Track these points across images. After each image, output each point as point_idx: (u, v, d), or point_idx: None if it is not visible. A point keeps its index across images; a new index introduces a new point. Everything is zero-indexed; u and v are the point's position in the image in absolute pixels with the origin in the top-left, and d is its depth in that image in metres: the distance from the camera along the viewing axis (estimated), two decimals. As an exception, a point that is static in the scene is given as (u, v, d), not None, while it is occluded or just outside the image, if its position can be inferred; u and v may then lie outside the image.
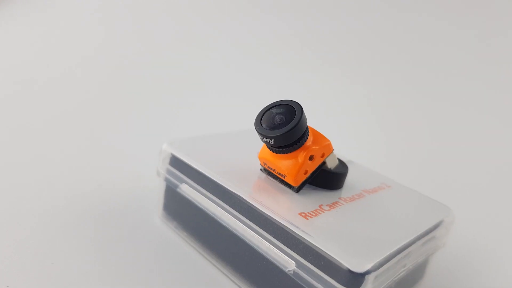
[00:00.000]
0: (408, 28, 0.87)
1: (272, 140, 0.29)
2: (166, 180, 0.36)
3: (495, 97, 0.78)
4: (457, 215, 0.34)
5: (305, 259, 0.26)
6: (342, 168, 0.34)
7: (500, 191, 0.59)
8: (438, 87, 0.82)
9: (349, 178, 0.35)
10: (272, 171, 0.32)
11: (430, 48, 0.85)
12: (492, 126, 0.75)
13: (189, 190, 0.33)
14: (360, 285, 0.24)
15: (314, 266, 0.26)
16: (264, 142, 0.30)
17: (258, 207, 0.29)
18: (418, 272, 0.34)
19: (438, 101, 0.80)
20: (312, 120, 0.33)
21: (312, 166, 0.31)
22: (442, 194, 0.44)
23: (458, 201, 0.46)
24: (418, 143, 0.72)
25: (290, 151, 0.29)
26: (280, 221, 0.27)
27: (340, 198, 0.32)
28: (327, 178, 0.32)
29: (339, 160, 0.35)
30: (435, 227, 0.32)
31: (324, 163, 0.32)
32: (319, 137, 0.31)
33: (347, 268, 0.24)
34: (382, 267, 0.25)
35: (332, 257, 0.25)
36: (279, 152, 0.30)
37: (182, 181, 0.34)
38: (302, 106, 0.29)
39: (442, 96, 0.81)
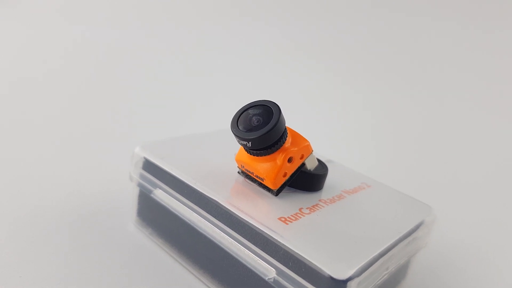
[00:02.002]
0: (392, 27, 0.86)
1: (250, 142, 0.27)
2: (139, 185, 0.34)
3: (478, 96, 0.79)
4: (437, 213, 0.34)
5: (286, 266, 0.25)
6: (322, 169, 0.33)
7: (479, 189, 0.60)
8: (419, 85, 0.82)
9: (329, 179, 0.34)
10: (250, 174, 0.31)
11: (413, 47, 0.85)
12: (473, 124, 0.75)
13: (163, 196, 0.32)
14: (343, 292, 0.23)
15: (295, 273, 0.25)
16: (241, 144, 0.28)
17: (236, 213, 0.28)
18: (400, 273, 0.34)
19: (418, 98, 0.81)
20: (290, 119, 0.32)
21: (291, 168, 0.30)
22: (421, 192, 0.44)
23: (437, 198, 0.46)
24: (398, 142, 0.72)
25: (268, 153, 0.28)
26: (259, 227, 0.26)
27: (320, 200, 0.31)
28: (307, 180, 0.31)
29: (319, 161, 0.34)
30: (417, 227, 0.31)
31: (303, 164, 0.31)
32: (297, 138, 0.30)
33: (329, 275, 0.23)
34: (365, 272, 0.25)
35: (313, 263, 0.24)
36: (257, 155, 0.29)
37: (156, 186, 0.33)
38: (279, 106, 0.28)
39: (423, 93, 0.81)
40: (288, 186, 0.31)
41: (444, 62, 0.83)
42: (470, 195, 0.57)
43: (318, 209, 0.30)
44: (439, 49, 0.83)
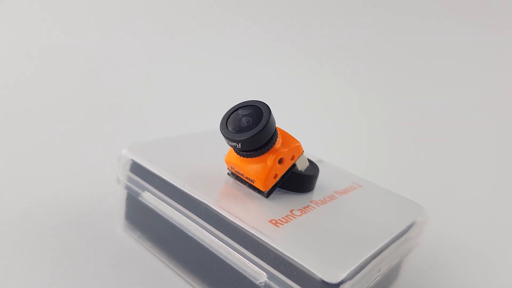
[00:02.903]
0: (384, 26, 0.86)
1: (239, 144, 0.27)
2: (127, 188, 0.33)
3: (469, 95, 0.79)
4: (428, 212, 0.34)
5: (277, 270, 0.25)
6: (313, 169, 0.33)
7: (471, 188, 0.60)
8: (409, 83, 0.82)
9: (320, 179, 0.34)
10: (240, 175, 0.30)
11: (405, 47, 0.85)
12: (465, 123, 0.76)
13: (151, 199, 0.31)
14: (335, 296, 0.23)
15: (287, 277, 0.24)
16: (231, 146, 0.28)
17: (226, 216, 0.27)
18: (392, 273, 0.34)
19: (409, 97, 0.80)
20: (280, 119, 0.32)
21: (282, 170, 0.29)
22: (412, 191, 0.44)
23: (428, 197, 0.46)
24: (389, 141, 0.72)
25: (259, 155, 0.28)
26: (250, 230, 0.26)
27: (311, 202, 0.31)
28: (298, 181, 0.31)
29: (309, 161, 0.33)
30: (409, 227, 0.31)
31: (294, 165, 0.30)
32: (288, 138, 0.29)
33: (321, 278, 0.23)
34: (357, 275, 0.24)
35: (305, 267, 0.23)
36: (247, 156, 0.28)
37: (144, 188, 0.32)
38: (269, 106, 0.27)
39: (414, 92, 0.81)
40: (279, 187, 0.30)
41: (435, 62, 0.83)
42: (461, 194, 0.57)
43: (309, 211, 0.29)
44: (432, 49, 0.84)
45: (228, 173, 0.32)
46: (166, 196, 0.30)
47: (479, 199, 0.56)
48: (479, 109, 0.77)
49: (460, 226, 0.48)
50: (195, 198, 0.29)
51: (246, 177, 0.29)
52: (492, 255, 0.43)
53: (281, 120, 0.34)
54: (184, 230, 0.29)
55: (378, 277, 0.27)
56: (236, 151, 0.29)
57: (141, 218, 0.35)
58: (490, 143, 0.71)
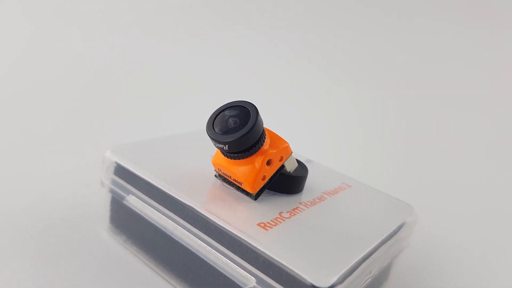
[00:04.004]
0: (376, 25, 0.86)
1: (226, 145, 0.26)
2: (111, 191, 0.32)
3: (460, 96, 0.79)
4: (418, 212, 0.34)
5: (266, 275, 0.24)
6: (302, 170, 0.32)
7: (460, 187, 0.60)
8: (399, 82, 0.82)
9: (309, 180, 0.33)
10: (227, 177, 0.29)
11: (396, 46, 0.85)
12: (454, 123, 0.76)
13: (136, 202, 0.30)
14: (326, 301, 0.22)
15: (276, 282, 0.24)
16: (218, 148, 0.27)
17: (213, 219, 0.26)
18: (383, 275, 0.33)
19: (399, 95, 0.80)
20: (267, 118, 0.31)
21: (270, 171, 0.28)
22: (401, 190, 0.44)
23: (417, 196, 0.46)
24: (378, 139, 0.72)
25: (246, 156, 0.27)
26: (238, 234, 0.25)
27: (300, 203, 0.30)
28: (287, 182, 0.30)
29: (298, 162, 0.33)
30: (399, 228, 0.30)
31: (283, 166, 0.29)
32: (276, 139, 0.29)
33: (311, 283, 0.22)
34: (348, 279, 0.24)
35: (294, 271, 0.23)
36: (235, 158, 0.27)
37: (128, 192, 0.31)
38: (257, 107, 0.27)
39: (403, 91, 0.81)
40: (268, 189, 0.30)
41: (426, 61, 0.83)
42: (451, 192, 0.57)
43: (298, 213, 0.29)
44: (422, 48, 0.83)
45: (215, 175, 0.31)
46: (151, 200, 0.30)
47: (469, 198, 0.56)
48: (469, 108, 0.77)
49: (450, 225, 0.48)
50: (181, 202, 0.28)
51: (233, 179, 0.29)
52: (482, 253, 0.43)
53: (269, 120, 0.34)
54: (171, 235, 0.28)
55: (369, 279, 0.27)
56: (223, 153, 0.28)
57: (126, 222, 0.34)
58: (481, 142, 0.72)
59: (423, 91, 0.81)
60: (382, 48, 0.85)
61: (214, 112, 0.28)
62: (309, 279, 0.22)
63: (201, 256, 0.27)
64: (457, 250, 0.43)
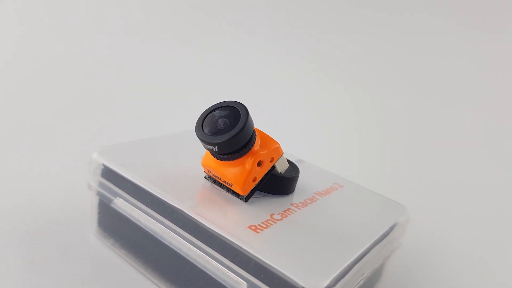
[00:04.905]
0: (368, 25, 0.86)
1: (216, 147, 0.26)
2: (99, 194, 0.32)
3: (452, 97, 0.79)
4: (410, 211, 0.33)
5: (257, 279, 0.24)
6: (293, 171, 0.32)
7: (452, 186, 0.60)
8: (391, 81, 0.82)
9: (301, 180, 0.33)
10: (217, 179, 0.29)
11: (387, 45, 0.85)
12: (446, 123, 0.76)
13: (124, 205, 0.30)
14: (318, 304, 0.22)
15: (268, 286, 0.23)
16: (207, 149, 0.27)
17: (203, 222, 0.26)
18: (375, 275, 0.33)
19: (390, 96, 0.80)
20: (257, 118, 0.31)
21: (261, 173, 0.28)
22: (393, 190, 0.43)
23: (409, 196, 0.46)
24: (370, 139, 0.72)
25: (237, 158, 0.27)
26: (228, 237, 0.25)
27: (292, 204, 0.30)
28: (278, 183, 0.30)
29: (289, 162, 0.32)
30: (391, 228, 0.30)
31: (273, 167, 0.29)
32: (267, 140, 0.28)
33: (303, 287, 0.22)
34: (341, 281, 0.23)
35: (286, 275, 0.22)
36: (225, 159, 0.27)
37: (116, 194, 0.30)
38: (247, 107, 0.26)
39: (394, 91, 0.81)
40: (258, 190, 0.29)
41: (420, 62, 0.83)
42: (442, 192, 0.57)
43: (290, 214, 0.28)
44: (419, 49, 0.83)
45: (205, 177, 0.31)
46: (139, 203, 0.29)
47: (461, 197, 0.57)
48: (460, 109, 0.78)
49: (442, 224, 0.48)
50: (170, 204, 0.27)
51: (224, 181, 0.28)
52: (474, 253, 0.43)
53: (259, 120, 0.33)
54: (160, 238, 0.28)
55: (362, 281, 0.27)
56: (213, 154, 0.27)
57: (114, 225, 0.33)
58: (473, 142, 0.72)
59: (415, 90, 0.81)
60: (375, 47, 0.85)
61: (204, 112, 0.27)
62: (301, 282, 0.22)
63: (191, 260, 0.26)
64: (449, 250, 0.43)
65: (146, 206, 0.29)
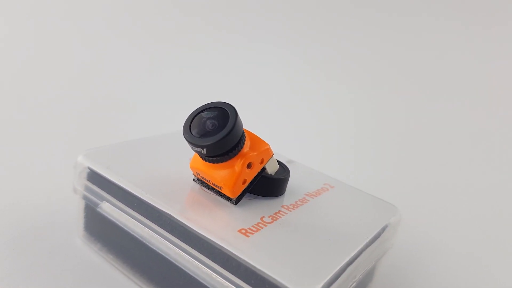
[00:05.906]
0: (363, 24, 0.85)
1: (204, 149, 0.25)
2: (85, 198, 0.31)
3: (445, 97, 0.79)
4: (401, 211, 0.33)
5: (248, 284, 0.23)
6: (283, 172, 0.31)
7: (443, 185, 0.60)
8: (384, 83, 0.82)
9: (291, 181, 0.32)
10: (206, 182, 0.28)
11: (378, 45, 0.85)
12: (438, 122, 0.76)
13: (111, 210, 0.29)
14: (310, 309, 0.22)
15: (258, 291, 0.23)
16: (195, 151, 0.26)
17: (192, 226, 0.25)
18: (367, 277, 0.33)
19: (382, 96, 0.80)
20: (246, 119, 0.30)
21: (251, 175, 0.27)
22: (384, 190, 0.43)
23: (400, 195, 0.46)
24: (360, 139, 0.71)
25: (226, 160, 0.26)
26: (218, 242, 0.24)
27: (282, 206, 0.29)
28: (268, 185, 0.29)
29: (279, 163, 0.32)
30: (383, 229, 0.30)
31: (264, 169, 0.28)
32: (257, 141, 0.28)
33: (295, 292, 0.21)
34: (333, 285, 0.23)
35: (277, 280, 0.22)
36: (213, 162, 0.26)
37: (102, 198, 0.29)
38: (235, 108, 0.26)
39: (388, 91, 0.81)
40: (248, 192, 0.29)
41: (415, 62, 0.83)
42: (434, 192, 0.57)
43: (280, 217, 0.28)
44: (414, 49, 0.83)
45: (193, 179, 0.30)
46: (126, 207, 0.28)
47: (453, 197, 0.57)
48: (452, 109, 0.78)
49: (434, 224, 0.48)
50: (158, 208, 0.27)
51: (213, 184, 0.28)
52: (467, 252, 0.43)
53: (248, 120, 0.33)
54: (147, 243, 0.27)
55: (354, 284, 0.26)
56: (201, 157, 0.27)
57: (101, 230, 0.32)
58: (464, 143, 0.72)
59: (407, 89, 0.81)
60: (367, 46, 0.84)
61: (191, 113, 0.27)
62: (293, 287, 0.21)
63: (179, 265, 0.26)
64: (441, 249, 0.42)
65: (133, 210, 0.28)
